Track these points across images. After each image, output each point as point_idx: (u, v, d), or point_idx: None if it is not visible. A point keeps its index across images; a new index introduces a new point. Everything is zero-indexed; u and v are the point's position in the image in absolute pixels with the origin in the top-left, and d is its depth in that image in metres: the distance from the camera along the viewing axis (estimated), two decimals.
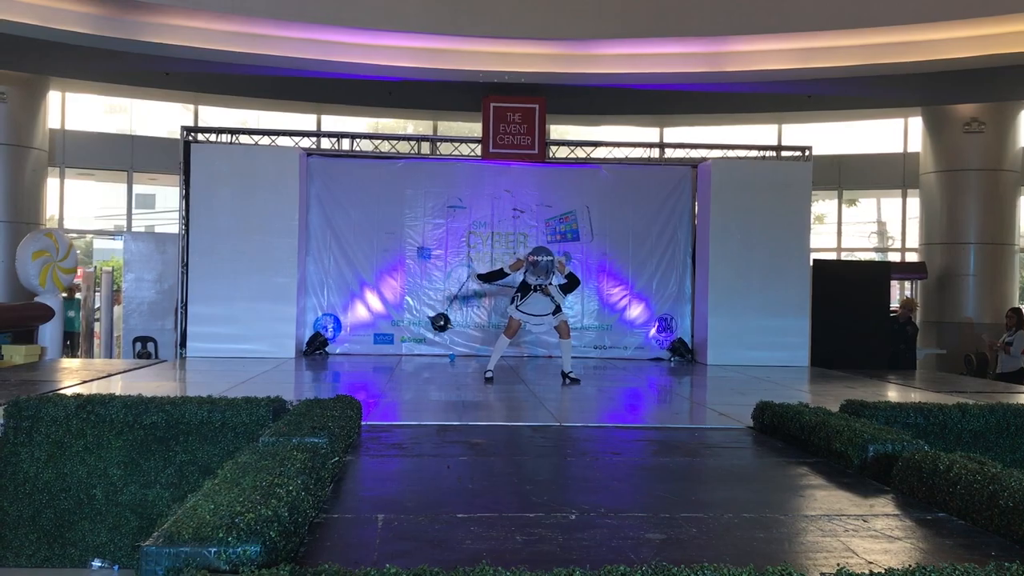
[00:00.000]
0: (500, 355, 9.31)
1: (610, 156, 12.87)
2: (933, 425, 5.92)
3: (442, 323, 9.91)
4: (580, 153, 12.73)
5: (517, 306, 9.01)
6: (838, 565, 2.80)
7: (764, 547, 3.43)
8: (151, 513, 5.39)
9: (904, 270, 15.98)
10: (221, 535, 2.83)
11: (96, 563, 5.45)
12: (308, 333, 11.67)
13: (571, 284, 9.19)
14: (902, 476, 4.35)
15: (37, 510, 5.44)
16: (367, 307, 11.87)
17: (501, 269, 9.43)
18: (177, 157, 11.51)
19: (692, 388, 9.76)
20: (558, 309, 9.09)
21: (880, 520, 3.85)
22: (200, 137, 11.88)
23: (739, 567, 2.60)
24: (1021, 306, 14.40)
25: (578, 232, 12.16)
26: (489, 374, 9.07)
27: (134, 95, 17.05)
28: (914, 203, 16.92)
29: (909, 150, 17.11)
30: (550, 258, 8.95)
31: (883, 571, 2.65)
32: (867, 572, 2.67)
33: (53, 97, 16.05)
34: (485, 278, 9.70)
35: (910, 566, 2.69)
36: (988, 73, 12.51)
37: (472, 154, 12.40)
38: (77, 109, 16.84)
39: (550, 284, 8.97)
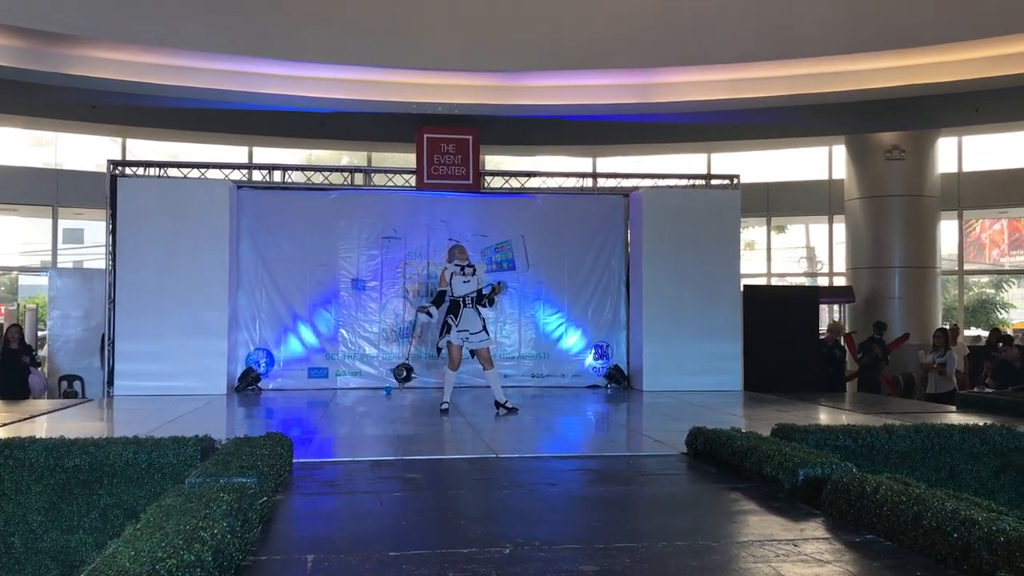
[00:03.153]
0: (452, 387, 9.22)
1: (544, 186, 12.97)
2: (862, 447, 6.03)
3: (405, 374, 9.62)
4: (515, 183, 12.80)
5: (453, 327, 8.92)
6: None
7: (697, 575, 3.44)
8: (73, 560, 5.20)
9: (832, 294, 16.35)
10: None
11: None
12: (240, 369, 11.44)
13: (491, 296, 9.12)
14: (831, 499, 4.41)
15: None
16: (300, 341, 11.70)
17: (441, 291, 9.10)
18: (104, 191, 11.25)
19: (628, 415, 9.81)
20: (486, 327, 9.08)
21: (810, 544, 3.89)
22: (128, 171, 11.66)
23: None
24: (946, 326, 14.84)
25: (514, 261, 12.18)
26: (445, 406, 8.98)
27: (59, 128, 16.69)
28: (840, 228, 17.37)
29: (834, 177, 17.60)
30: (458, 250, 9.01)
31: None
32: None
33: None
34: (438, 303, 9.17)
35: None
36: (907, 103, 12.95)
37: (407, 185, 12.38)
38: None
39: (478, 282, 8.95)
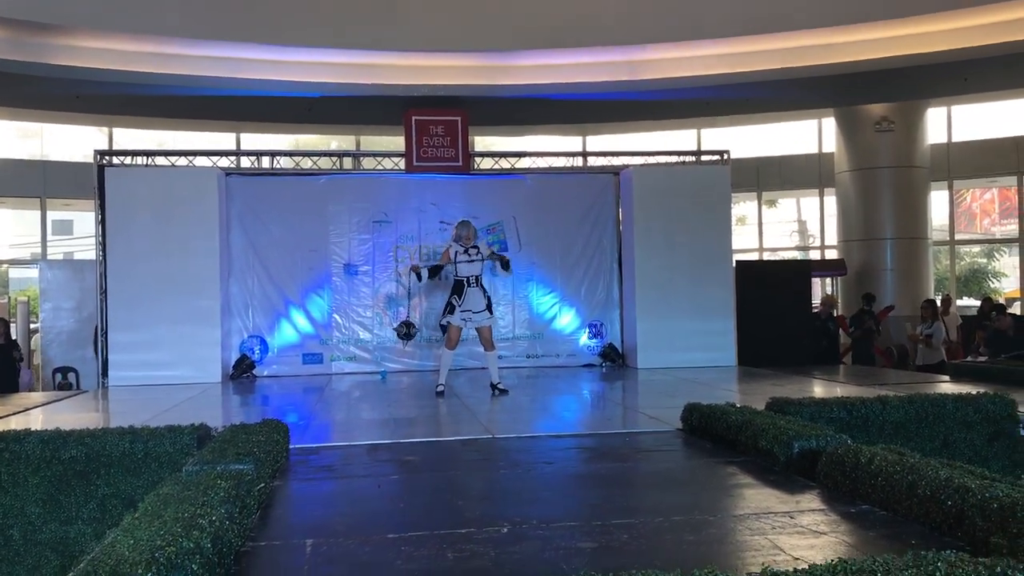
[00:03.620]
0: (448, 368, 9.23)
1: (534, 166, 12.94)
2: (856, 419, 6.05)
3: (407, 331, 9.81)
4: (504, 164, 12.76)
5: (456, 308, 8.93)
6: (764, 564, 2.83)
7: (694, 550, 3.47)
8: (73, 551, 5.20)
9: (824, 267, 16.38)
10: (140, 571, 2.74)
11: None
12: (234, 356, 11.42)
13: (503, 262, 9.23)
14: (826, 471, 4.44)
15: None
16: (294, 327, 11.68)
17: (439, 264, 9.25)
18: (92, 182, 11.19)
19: (623, 393, 9.84)
20: (490, 307, 9.08)
21: (806, 516, 3.92)
22: (115, 160, 11.59)
23: (667, 572, 2.61)
24: (937, 297, 14.89)
25: (506, 243, 12.15)
26: (440, 388, 8.99)
27: (45, 119, 16.58)
28: (831, 201, 17.38)
29: (824, 150, 17.59)
30: (466, 230, 9.00)
31: (807, 567, 2.70)
32: (792, 569, 2.71)
33: None
34: (431, 272, 9.34)
35: (833, 561, 2.74)
36: (896, 74, 12.93)
37: (396, 168, 12.33)
38: None
39: (481, 261, 8.95)
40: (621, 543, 3.57)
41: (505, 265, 9.36)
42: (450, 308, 8.99)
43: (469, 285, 8.91)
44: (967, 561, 2.66)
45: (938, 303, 13.36)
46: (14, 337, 12.22)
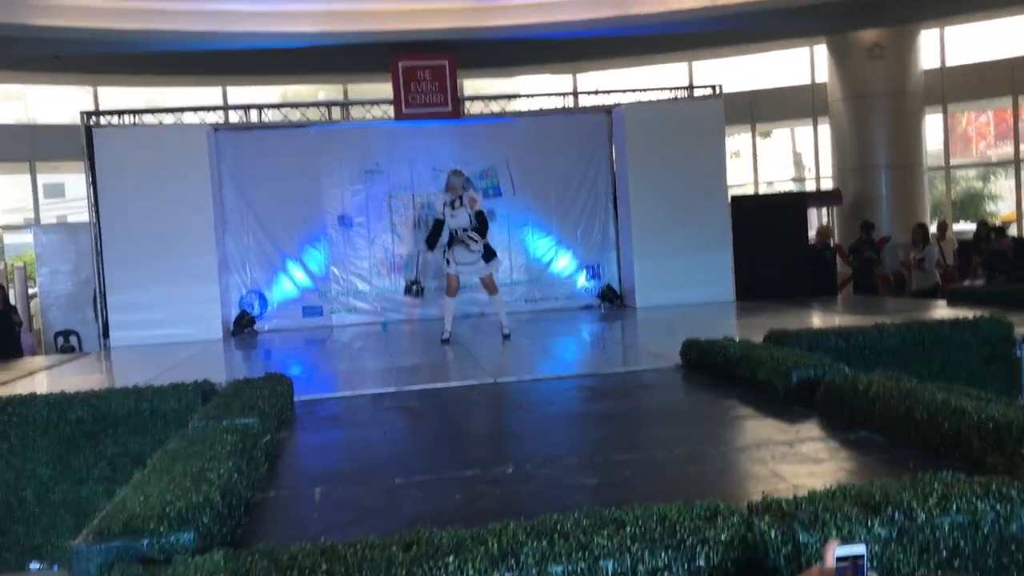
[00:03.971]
0: (452, 315, 9.24)
1: (526, 108, 12.81)
2: (853, 347, 6.10)
3: (415, 288, 9.93)
4: (495, 107, 12.64)
5: (451, 260, 8.94)
6: (765, 492, 2.88)
7: (696, 482, 3.52)
8: (86, 509, 5.27)
9: (820, 198, 16.34)
10: (152, 526, 2.79)
11: (34, 565, 5.34)
12: (234, 312, 11.45)
13: (481, 224, 8.98)
14: (825, 399, 4.48)
15: None
16: (292, 281, 11.67)
17: (436, 220, 9.18)
18: (80, 144, 11.10)
19: (622, 332, 9.89)
20: (489, 254, 8.98)
21: (806, 444, 3.97)
22: (102, 121, 11.47)
23: (669, 504, 2.66)
24: (933, 223, 14.87)
25: (499, 187, 12.09)
26: (446, 335, 8.97)
27: (27, 81, 16.39)
28: (826, 131, 17.27)
29: (817, 80, 17.42)
30: (457, 179, 8.90)
31: (808, 494, 2.74)
32: (793, 496, 2.75)
33: None
34: (432, 239, 9.25)
35: (833, 487, 2.78)
36: None
37: (385, 116, 12.21)
38: None
39: (467, 212, 8.81)
40: (623, 478, 3.62)
41: (481, 230, 8.91)
42: (446, 258, 9.02)
43: (456, 237, 8.89)
44: (963, 481, 2.70)
45: (933, 228, 13.35)
46: (12, 302, 12.24)
